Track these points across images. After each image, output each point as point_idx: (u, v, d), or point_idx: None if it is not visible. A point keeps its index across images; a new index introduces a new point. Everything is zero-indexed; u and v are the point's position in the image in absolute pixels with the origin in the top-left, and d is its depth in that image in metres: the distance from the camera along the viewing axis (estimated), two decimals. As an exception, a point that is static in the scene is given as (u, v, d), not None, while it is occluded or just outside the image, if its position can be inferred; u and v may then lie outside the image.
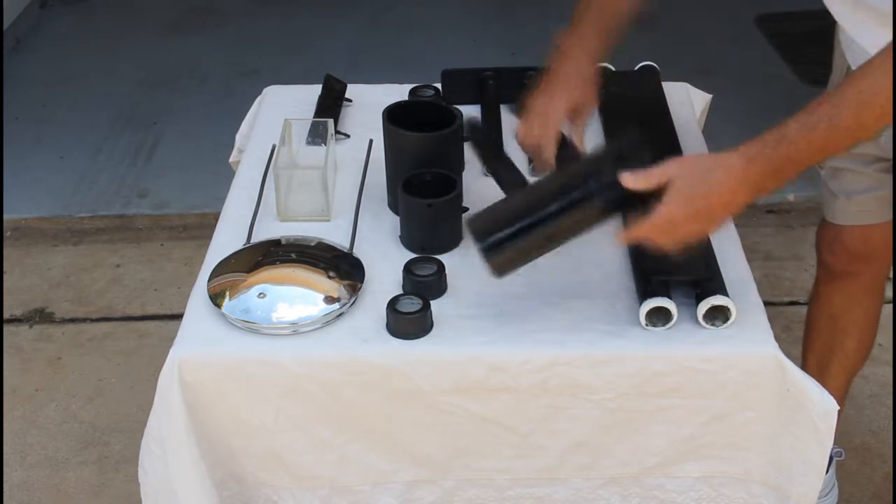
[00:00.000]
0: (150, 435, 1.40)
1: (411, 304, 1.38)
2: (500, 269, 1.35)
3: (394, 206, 1.59)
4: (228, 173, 1.81)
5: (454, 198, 1.50)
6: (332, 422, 1.41)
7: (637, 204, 1.27)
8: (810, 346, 2.00)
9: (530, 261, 1.35)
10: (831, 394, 1.35)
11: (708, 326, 1.38)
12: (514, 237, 1.31)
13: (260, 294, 1.42)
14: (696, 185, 1.23)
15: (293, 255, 1.51)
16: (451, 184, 1.49)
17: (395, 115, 1.56)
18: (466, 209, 1.55)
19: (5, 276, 2.88)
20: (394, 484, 1.46)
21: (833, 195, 1.82)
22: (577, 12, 1.50)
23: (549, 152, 1.43)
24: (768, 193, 1.26)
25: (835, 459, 2.07)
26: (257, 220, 1.59)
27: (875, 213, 1.79)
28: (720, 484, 1.46)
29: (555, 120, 1.44)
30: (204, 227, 2.82)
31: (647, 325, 1.37)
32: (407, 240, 1.53)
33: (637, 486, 1.47)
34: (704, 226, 1.25)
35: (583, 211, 1.29)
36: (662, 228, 1.25)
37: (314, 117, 1.80)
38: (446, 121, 1.55)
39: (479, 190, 1.64)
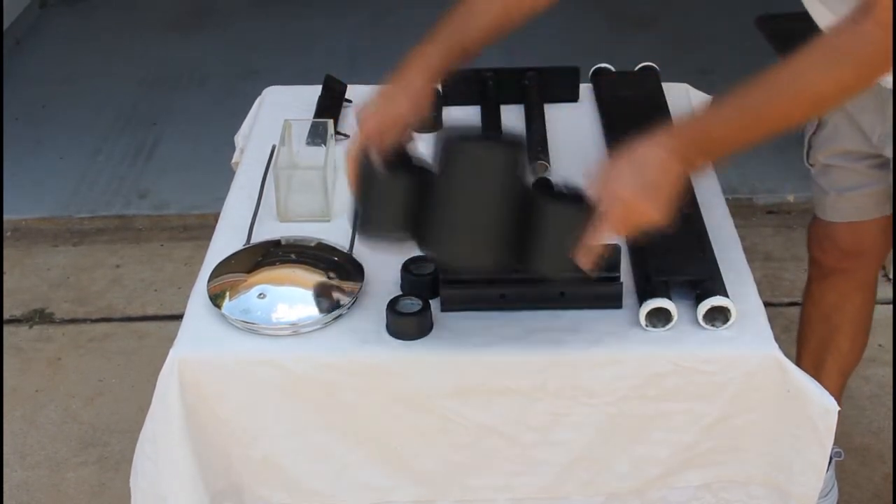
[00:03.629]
0: (144, 436, 1.39)
1: (411, 305, 1.38)
2: (449, 304, 1.40)
3: None
4: (228, 174, 1.81)
5: None
6: (331, 429, 1.41)
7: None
8: (804, 345, 2.00)
9: (480, 310, 1.40)
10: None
11: (708, 327, 1.37)
12: (474, 284, 1.39)
13: (260, 294, 1.42)
14: (628, 164, 1.25)
15: (293, 256, 1.51)
16: None
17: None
18: None
19: (5, 276, 2.88)
20: None
21: (824, 192, 1.82)
22: (442, 20, 1.48)
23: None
24: (699, 169, 1.29)
25: (834, 459, 2.07)
26: (257, 220, 1.59)
27: (866, 210, 1.79)
28: (721, 488, 1.46)
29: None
30: (204, 228, 2.81)
31: (647, 325, 1.37)
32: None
33: (638, 501, 1.46)
34: (655, 202, 1.24)
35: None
36: (616, 214, 1.24)
37: (314, 118, 1.80)
38: None
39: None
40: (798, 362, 1.98)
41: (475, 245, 1.26)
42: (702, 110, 1.28)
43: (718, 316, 1.37)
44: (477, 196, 1.25)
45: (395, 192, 1.28)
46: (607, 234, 1.25)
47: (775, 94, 1.25)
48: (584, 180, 1.28)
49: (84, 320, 2.72)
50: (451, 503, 1.46)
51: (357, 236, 1.41)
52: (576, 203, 1.25)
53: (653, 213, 1.24)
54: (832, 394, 1.36)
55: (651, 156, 1.25)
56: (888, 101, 1.60)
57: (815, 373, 1.91)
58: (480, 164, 1.25)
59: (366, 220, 1.32)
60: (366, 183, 1.31)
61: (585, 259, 1.24)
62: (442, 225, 1.26)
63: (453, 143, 1.27)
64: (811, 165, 1.84)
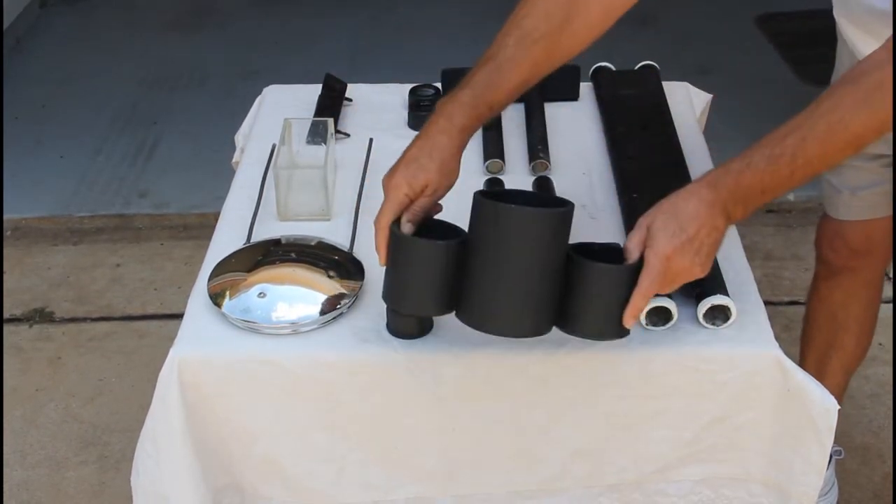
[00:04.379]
0: (145, 435, 1.39)
1: (411, 304, 1.37)
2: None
3: None
4: (228, 173, 1.81)
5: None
6: (331, 429, 1.41)
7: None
8: (809, 344, 2.00)
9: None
10: (830, 391, 1.35)
11: (708, 326, 1.37)
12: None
13: (260, 294, 1.42)
14: (672, 220, 1.23)
15: (293, 255, 1.51)
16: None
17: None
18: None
19: (5, 276, 2.88)
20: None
21: (836, 191, 1.82)
22: (469, 76, 1.37)
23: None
24: (739, 220, 1.26)
25: (834, 458, 2.08)
26: (257, 219, 1.59)
27: (879, 207, 1.79)
28: (720, 485, 1.46)
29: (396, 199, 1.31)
30: (204, 227, 2.82)
31: (647, 325, 1.37)
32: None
33: (637, 493, 1.46)
34: (695, 258, 1.23)
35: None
36: (659, 272, 1.22)
37: (314, 117, 1.80)
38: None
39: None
40: (802, 360, 1.99)
41: (516, 312, 1.24)
42: (737, 159, 1.23)
43: (718, 315, 1.37)
44: (520, 263, 1.21)
45: (429, 263, 1.25)
46: (650, 292, 1.23)
47: (809, 138, 1.21)
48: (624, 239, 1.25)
49: (84, 319, 2.72)
50: (450, 499, 1.46)
51: (389, 311, 1.37)
52: (615, 262, 1.23)
53: (695, 269, 1.23)
54: (835, 392, 1.36)
55: (690, 210, 1.22)
56: None
57: (819, 371, 1.91)
58: (527, 231, 1.21)
59: (402, 297, 1.29)
60: (397, 254, 1.27)
61: (630, 319, 1.23)
62: (482, 293, 1.23)
63: (495, 207, 1.22)
64: None
